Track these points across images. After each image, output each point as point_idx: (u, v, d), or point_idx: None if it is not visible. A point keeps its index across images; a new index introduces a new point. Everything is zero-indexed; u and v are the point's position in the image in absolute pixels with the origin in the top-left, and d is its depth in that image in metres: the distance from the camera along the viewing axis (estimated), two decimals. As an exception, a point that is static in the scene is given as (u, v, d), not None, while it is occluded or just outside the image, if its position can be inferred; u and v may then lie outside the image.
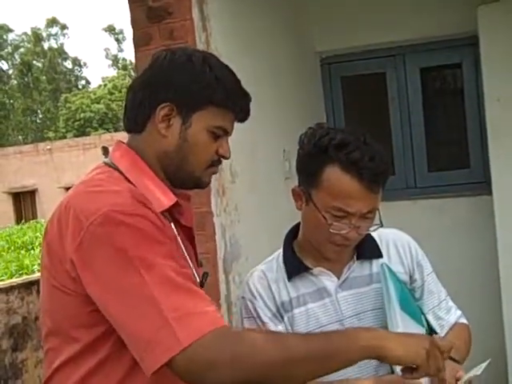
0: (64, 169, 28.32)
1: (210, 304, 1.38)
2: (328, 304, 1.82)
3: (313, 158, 1.74)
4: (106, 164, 1.54)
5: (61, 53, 51.57)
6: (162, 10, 3.06)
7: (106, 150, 11.51)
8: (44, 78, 50.26)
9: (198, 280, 1.52)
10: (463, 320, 1.97)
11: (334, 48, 4.69)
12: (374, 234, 1.87)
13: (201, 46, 3.10)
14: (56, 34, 53.00)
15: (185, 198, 1.63)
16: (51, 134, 45.96)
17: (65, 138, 38.56)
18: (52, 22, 52.39)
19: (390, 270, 1.79)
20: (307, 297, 1.83)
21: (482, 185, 4.38)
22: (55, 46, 52.53)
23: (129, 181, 1.48)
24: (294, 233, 1.93)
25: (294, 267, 1.85)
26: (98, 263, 1.36)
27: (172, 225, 1.51)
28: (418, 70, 4.66)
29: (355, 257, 1.86)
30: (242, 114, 1.60)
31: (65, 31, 53.79)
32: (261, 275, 1.89)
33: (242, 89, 1.59)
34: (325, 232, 1.73)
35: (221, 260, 3.11)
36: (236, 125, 1.63)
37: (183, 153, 1.53)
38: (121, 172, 1.50)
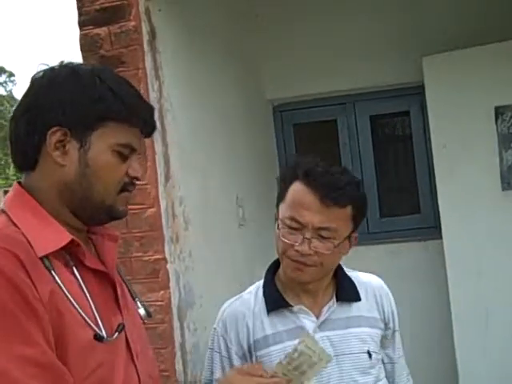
0: (14, 217, 27.76)
1: None
2: None
3: (283, 179, 1.80)
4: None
5: (9, 100, 51.12)
6: (114, 58, 3.08)
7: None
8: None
9: (103, 333, 1.30)
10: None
11: (286, 96, 4.77)
12: (353, 278, 1.89)
13: (153, 95, 3.12)
14: (5, 82, 52.71)
15: (111, 238, 1.46)
16: (1, 182, 45.16)
17: (15, 186, 37.87)
18: (0, 70, 52.17)
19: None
20: (284, 334, 1.80)
21: (433, 229, 4.45)
22: (4, 93, 52.15)
23: (15, 224, 1.29)
24: (275, 266, 1.90)
25: (274, 302, 1.83)
26: None
27: (74, 268, 1.31)
28: (367, 117, 4.76)
29: (335, 298, 1.85)
30: (148, 128, 1.41)
31: (12, 78, 53.57)
32: (238, 309, 1.86)
33: (142, 100, 1.40)
34: (282, 245, 1.75)
35: (175, 307, 3.08)
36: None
37: (87, 181, 1.32)
38: (8, 215, 1.32)
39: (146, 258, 3.03)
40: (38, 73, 1.37)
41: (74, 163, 1.32)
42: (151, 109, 1.43)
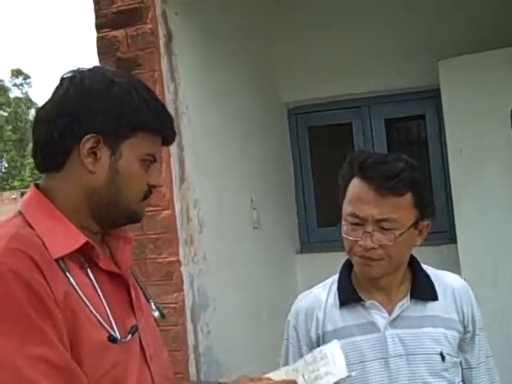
0: (29, 218, 27.88)
1: None
2: (375, 339, 1.77)
3: (342, 179, 1.80)
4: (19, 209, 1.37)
5: (25, 102, 51.37)
6: (131, 60, 3.09)
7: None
8: (10, 127, 49.97)
9: (117, 334, 1.30)
10: None
11: (301, 99, 4.76)
12: (432, 276, 1.86)
13: (169, 97, 3.14)
14: (21, 85, 53.06)
15: (125, 240, 1.47)
16: (16, 183, 45.54)
17: (30, 187, 38.14)
18: (17, 72, 52.53)
19: None
20: (354, 329, 1.78)
21: (447, 234, 4.43)
22: (20, 95, 52.50)
23: (30, 225, 1.30)
24: (351, 262, 1.87)
25: (347, 296, 1.83)
26: None
27: (88, 270, 1.32)
28: (382, 120, 4.74)
29: (409, 296, 1.82)
30: (171, 139, 1.46)
31: (28, 80, 53.88)
32: (309, 302, 1.87)
33: (167, 111, 1.44)
34: (347, 242, 1.75)
35: (189, 310, 3.09)
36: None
37: (116, 188, 1.35)
38: (24, 216, 1.32)
39: (161, 260, 3.04)
40: (71, 77, 1.37)
41: (103, 170, 1.34)
42: (173, 120, 1.46)
